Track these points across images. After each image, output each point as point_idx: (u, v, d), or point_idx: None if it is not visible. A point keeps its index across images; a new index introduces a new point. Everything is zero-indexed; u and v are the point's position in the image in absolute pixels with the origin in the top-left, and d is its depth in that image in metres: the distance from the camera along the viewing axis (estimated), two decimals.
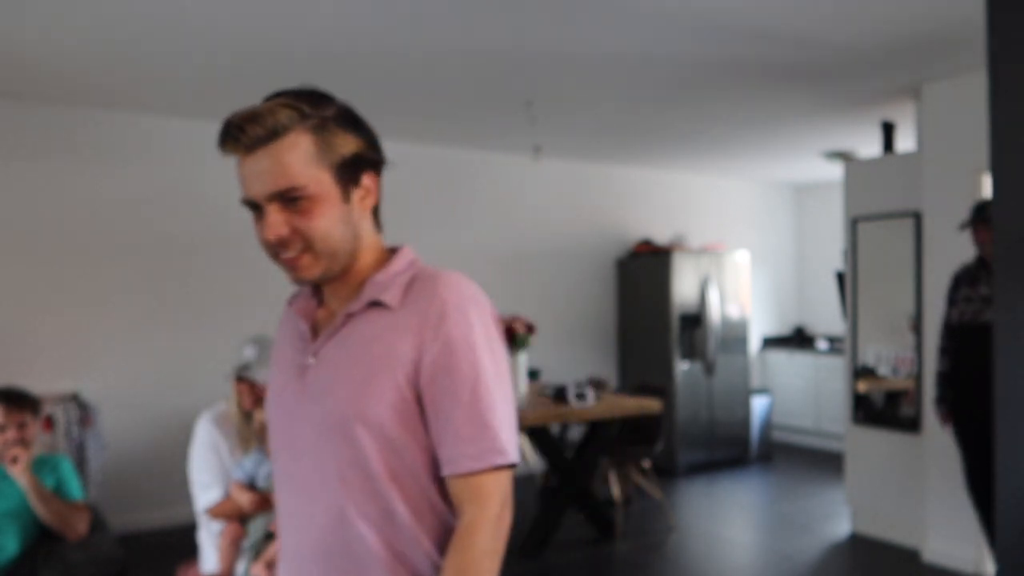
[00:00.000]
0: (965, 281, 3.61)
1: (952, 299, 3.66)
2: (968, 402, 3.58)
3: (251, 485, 2.63)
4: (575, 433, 5.56)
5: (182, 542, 4.11)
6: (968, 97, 4.03)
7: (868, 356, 4.72)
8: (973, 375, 3.52)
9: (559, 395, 4.49)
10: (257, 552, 2.61)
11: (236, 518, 2.64)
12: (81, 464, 4.23)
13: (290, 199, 1.15)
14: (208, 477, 2.68)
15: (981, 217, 3.48)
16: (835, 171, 6.92)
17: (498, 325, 1.24)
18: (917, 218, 4.40)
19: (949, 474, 4.01)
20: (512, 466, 1.17)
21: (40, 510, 2.76)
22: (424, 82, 4.24)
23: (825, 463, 6.54)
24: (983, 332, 3.40)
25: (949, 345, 3.68)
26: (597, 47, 3.68)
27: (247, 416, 2.78)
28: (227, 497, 2.64)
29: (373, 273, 1.23)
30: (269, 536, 2.63)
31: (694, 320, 6.43)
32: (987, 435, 3.46)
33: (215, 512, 2.65)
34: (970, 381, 3.55)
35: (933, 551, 4.16)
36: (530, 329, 4.97)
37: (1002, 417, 1.51)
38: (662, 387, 5.12)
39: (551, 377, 6.11)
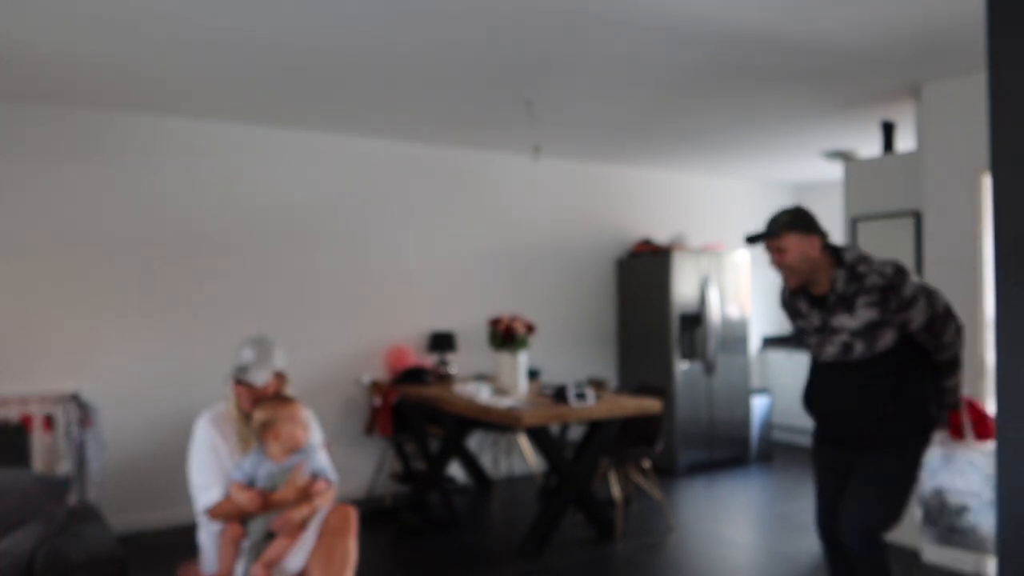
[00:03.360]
0: (793, 312, 2.94)
1: (799, 328, 2.96)
2: (823, 438, 2.97)
3: (251, 485, 2.63)
4: (575, 433, 5.56)
5: (182, 542, 4.11)
6: (968, 97, 4.03)
7: None
8: (827, 416, 2.91)
9: (559, 395, 4.49)
10: (257, 552, 2.61)
11: (236, 518, 2.64)
12: (81, 464, 4.23)
13: None
14: (208, 477, 2.68)
15: (767, 234, 2.73)
16: (835, 171, 6.92)
17: None
18: (917, 218, 4.40)
19: None
20: None
21: None
22: (425, 82, 4.24)
23: None
24: (832, 372, 2.80)
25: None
26: (597, 49, 3.68)
27: (246, 417, 2.78)
28: (227, 497, 2.64)
29: None
30: (269, 536, 2.63)
31: (694, 320, 6.43)
32: (834, 468, 2.92)
33: (215, 512, 2.65)
34: (825, 421, 2.93)
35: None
36: (530, 329, 4.97)
37: (1002, 417, 1.51)
38: (662, 387, 5.12)
39: (551, 377, 6.11)
